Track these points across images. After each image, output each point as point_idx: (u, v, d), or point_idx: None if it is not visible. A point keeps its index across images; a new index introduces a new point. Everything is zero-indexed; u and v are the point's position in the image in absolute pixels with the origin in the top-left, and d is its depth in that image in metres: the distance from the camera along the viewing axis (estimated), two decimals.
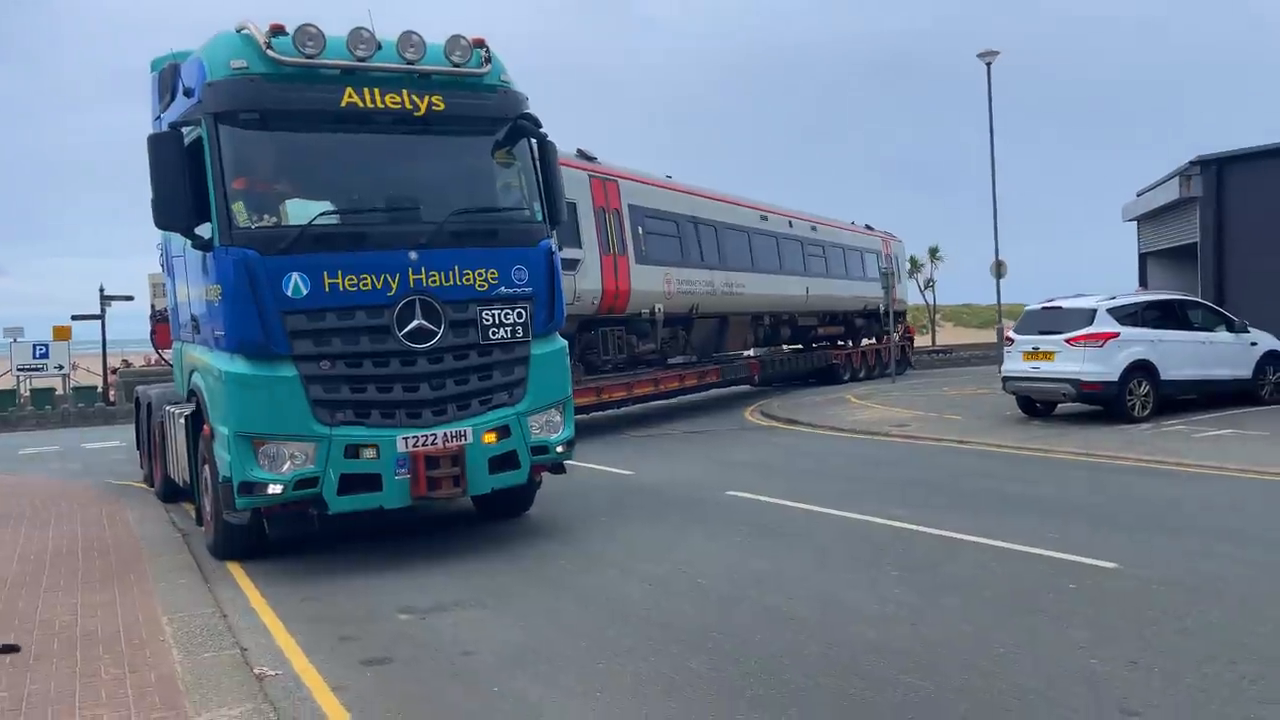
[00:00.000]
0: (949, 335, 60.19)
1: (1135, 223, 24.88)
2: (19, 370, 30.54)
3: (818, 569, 7.27)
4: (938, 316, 64.07)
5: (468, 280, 8.03)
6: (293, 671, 5.48)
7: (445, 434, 7.83)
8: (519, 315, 8.26)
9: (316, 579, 7.53)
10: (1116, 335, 14.71)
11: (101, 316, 29.82)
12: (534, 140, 8.62)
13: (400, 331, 7.73)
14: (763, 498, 10.16)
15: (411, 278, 7.78)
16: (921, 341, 46.32)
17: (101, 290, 29.55)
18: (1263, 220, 17.39)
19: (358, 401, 7.66)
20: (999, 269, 28.71)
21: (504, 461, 8.19)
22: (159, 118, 9.85)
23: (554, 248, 8.73)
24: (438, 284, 7.88)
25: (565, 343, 8.87)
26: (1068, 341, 14.88)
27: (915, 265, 43.29)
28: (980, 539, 7.82)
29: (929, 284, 43.97)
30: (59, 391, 29.94)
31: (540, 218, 8.62)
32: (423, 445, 7.71)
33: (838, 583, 6.85)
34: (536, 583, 7.20)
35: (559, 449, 8.57)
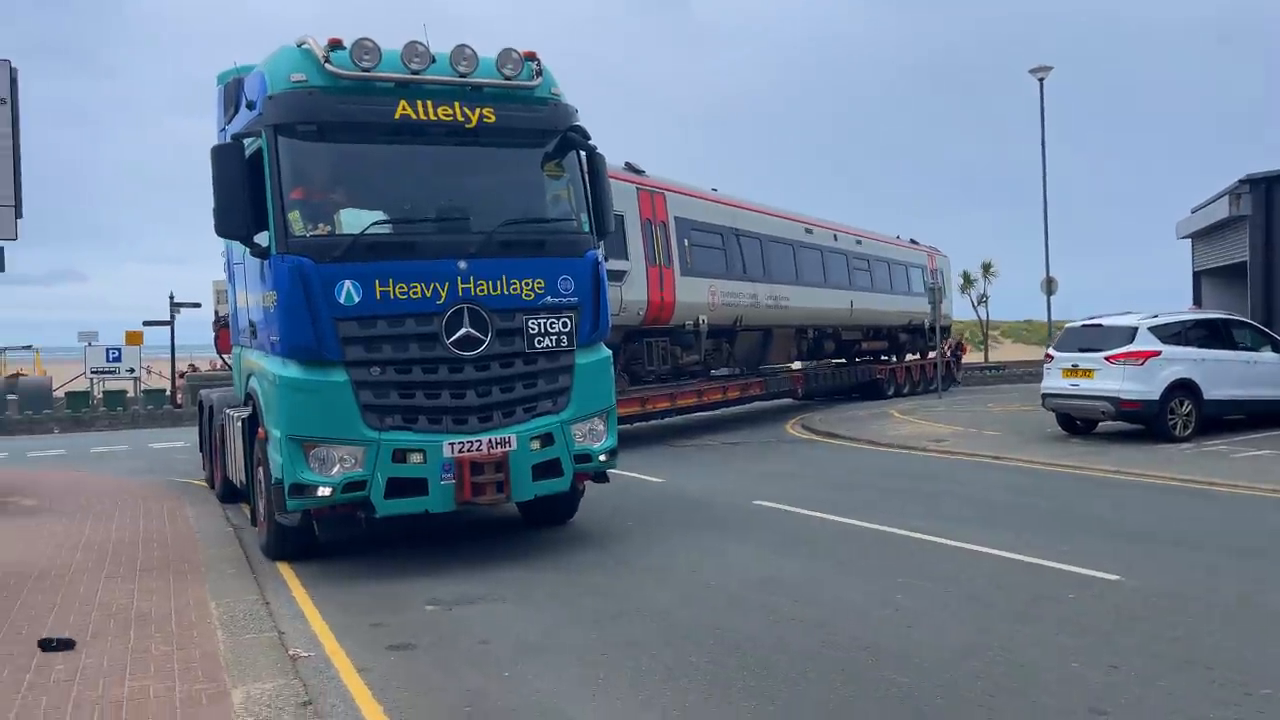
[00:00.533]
0: (1007, 352, 59.43)
1: (1189, 240, 24.58)
2: (93, 373, 31.89)
3: (828, 574, 7.54)
4: (996, 333, 63.36)
5: (515, 290, 8.15)
6: (324, 653, 5.92)
7: (490, 440, 7.93)
8: (564, 325, 8.36)
9: (355, 575, 7.97)
10: (1158, 354, 14.66)
11: (171, 322, 31.02)
12: (583, 152, 8.73)
13: (448, 339, 7.87)
14: (788, 507, 10.42)
15: (460, 286, 7.93)
16: (974, 358, 45.96)
17: (171, 297, 30.77)
18: None
19: (406, 407, 7.81)
20: (1049, 285, 28.53)
21: (547, 469, 8.27)
22: (223, 129, 10.19)
23: (601, 259, 8.82)
24: (486, 293, 8.02)
25: (610, 353, 8.94)
26: (1107, 359, 14.87)
27: (968, 280, 42.90)
28: (993, 550, 8.02)
29: (982, 299, 43.52)
30: (129, 394, 31.17)
31: (588, 229, 8.72)
32: (468, 451, 7.83)
33: (844, 587, 7.12)
34: (554, 582, 7.56)
35: (602, 457, 8.64)
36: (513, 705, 5.02)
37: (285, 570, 8.20)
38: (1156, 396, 14.57)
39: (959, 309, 51.70)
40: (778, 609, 6.54)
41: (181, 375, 32.75)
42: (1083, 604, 6.42)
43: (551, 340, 8.29)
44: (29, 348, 44.32)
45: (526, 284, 8.20)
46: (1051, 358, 16.06)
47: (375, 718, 4.90)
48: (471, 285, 7.97)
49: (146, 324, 31.99)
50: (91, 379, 31.92)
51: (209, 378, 29.86)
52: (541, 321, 8.24)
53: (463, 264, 7.96)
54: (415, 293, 7.82)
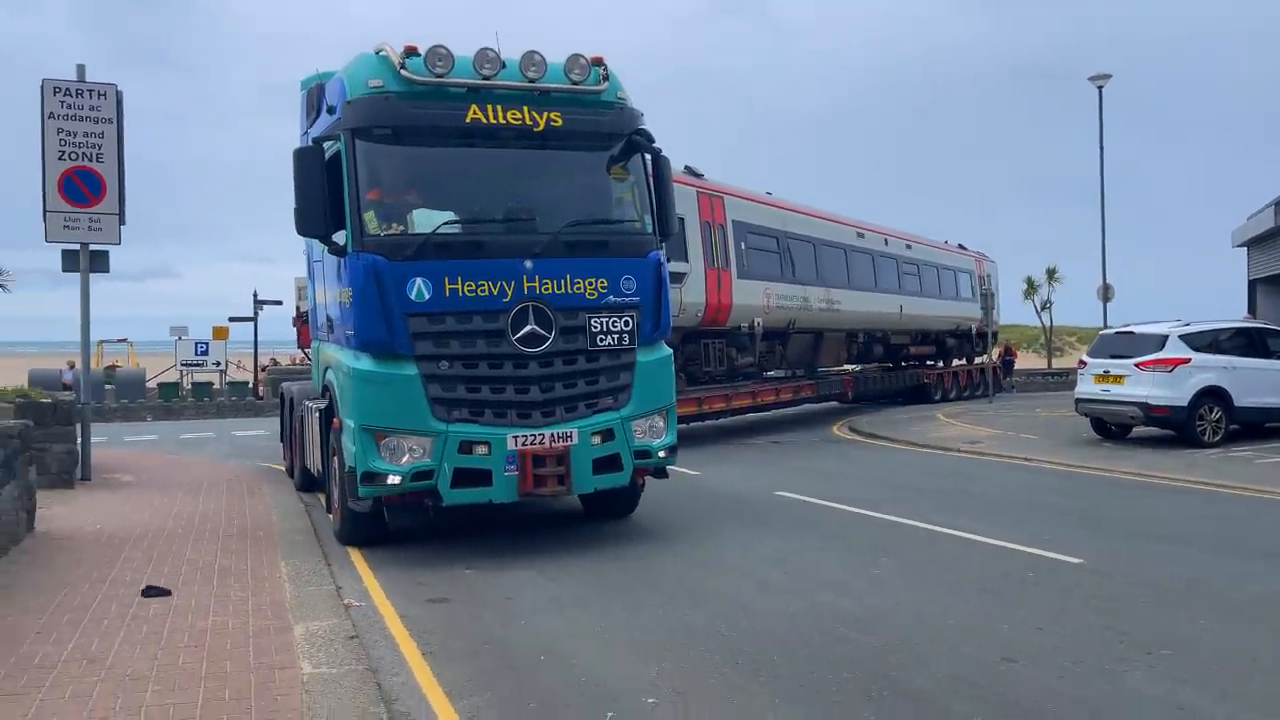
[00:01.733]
0: (1075, 358, 58.44)
1: (1245, 248, 24.50)
2: (182, 365, 33.89)
3: (825, 554, 8.33)
4: (1074, 339, 62.47)
5: (578, 289, 8.35)
6: (373, 604, 6.95)
7: (552, 434, 8.15)
8: (626, 323, 8.52)
9: (408, 546, 8.91)
10: (1187, 361, 15.04)
11: (254, 318, 32.82)
12: (648, 155, 8.91)
13: (514, 336, 8.11)
14: (808, 498, 11.20)
15: (526, 285, 8.15)
16: (1037, 363, 45.62)
17: (255, 295, 32.57)
18: None
19: (472, 401, 8.07)
20: (1106, 292, 28.64)
21: (608, 463, 8.47)
22: (305, 133, 10.58)
23: (663, 259, 8.97)
24: (550, 292, 8.22)
25: (670, 351, 9.09)
26: (1138, 365, 15.30)
27: (1032, 286, 42.76)
28: (980, 538, 8.73)
29: (1046, 305, 43.30)
30: (216, 385, 33.07)
31: (650, 230, 8.89)
32: (531, 444, 8.06)
33: (838, 564, 7.92)
34: (580, 553, 8.47)
35: (661, 454, 8.78)
36: (522, 641, 5.98)
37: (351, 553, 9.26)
38: (1185, 402, 14.95)
39: (1024, 315, 51.42)
40: (772, 581, 7.38)
41: (263, 369, 34.57)
42: (1039, 582, 7.16)
43: (613, 338, 8.47)
44: (124, 341, 46.87)
45: (590, 283, 8.40)
46: (1085, 364, 16.51)
47: (406, 645, 5.91)
48: (537, 284, 8.18)
49: (232, 320, 33.90)
50: (181, 371, 33.93)
51: (288, 371, 31.58)
52: (604, 320, 8.42)
53: (528, 263, 8.17)
54: (483, 291, 8.06)
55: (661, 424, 8.83)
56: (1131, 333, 16.10)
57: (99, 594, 6.88)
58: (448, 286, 8.01)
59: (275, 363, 37.42)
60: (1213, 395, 15.13)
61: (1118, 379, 15.62)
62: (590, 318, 8.38)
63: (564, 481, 8.21)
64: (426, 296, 7.97)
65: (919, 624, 6.17)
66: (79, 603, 6.65)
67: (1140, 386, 15.26)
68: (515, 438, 8.06)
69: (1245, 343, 15.88)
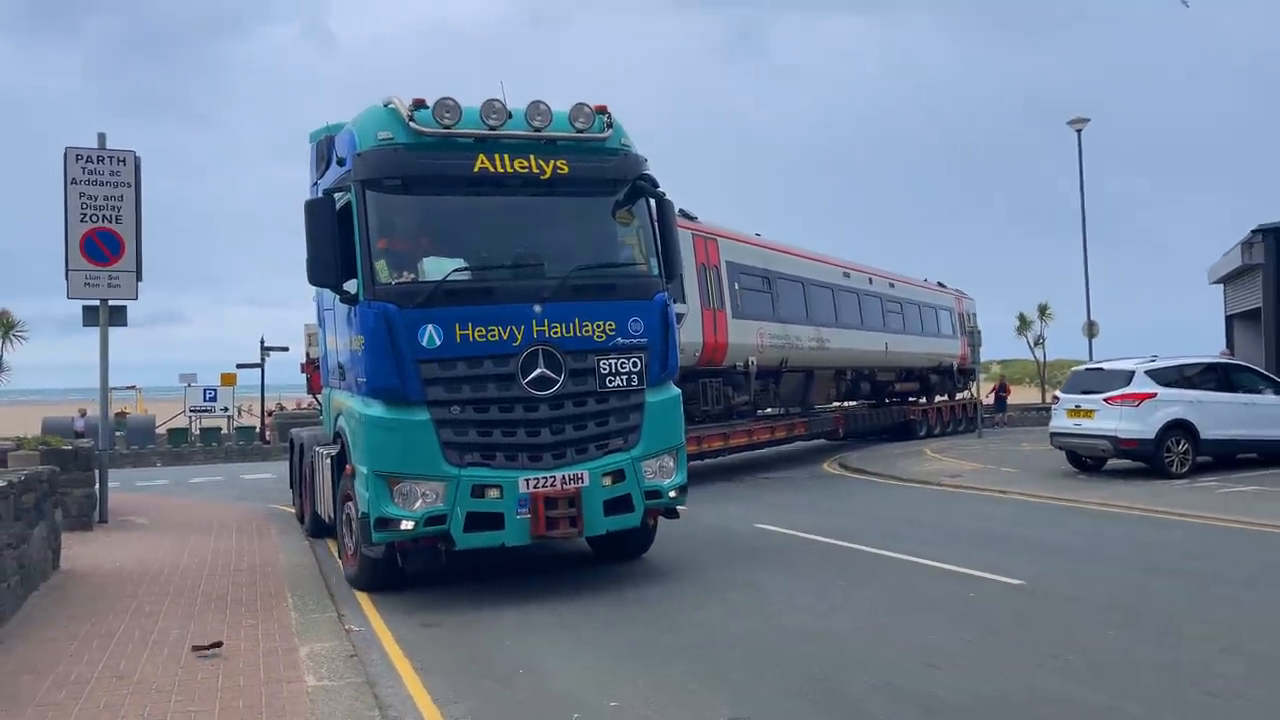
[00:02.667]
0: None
1: (1221, 284, 25.23)
2: (191, 411, 34.67)
3: (788, 577, 8.99)
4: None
5: (587, 331, 8.45)
6: (371, 629, 7.63)
7: (564, 476, 8.22)
8: (634, 365, 8.60)
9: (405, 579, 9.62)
10: (1153, 395, 15.70)
11: (261, 365, 33.63)
12: (652, 200, 9.07)
13: (524, 379, 8.20)
14: (783, 530, 11.87)
15: (535, 329, 8.26)
16: (1031, 396, 46.19)
17: (262, 342, 33.40)
18: None
19: (484, 444, 8.15)
20: (1091, 328, 29.35)
21: (619, 504, 8.53)
22: (315, 184, 10.69)
23: (669, 301, 9.08)
24: (559, 335, 8.33)
25: (679, 392, 9.18)
26: (1106, 400, 15.97)
27: (1024, 322, 43.54)
28: (940, 564, 9.37)
29: (1039, 341, 44.08)
30: (224, 430, 33.81)
31: (656, 272, 9.02)
32: (543, 487, 8.13)
33: (795, 587, 8.58)
34: (559, 581, 9.12)
35: (672, 493, 8.83)
36: (504, 658, 6.65)
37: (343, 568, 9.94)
38: (1152, 435, 15.59)
39: (1017, 349, 52.13)
40: (735, 601, 8.06)
41: (270, 414, 35.33)
42: (979, 601, 7.83)
43: (622, 380, 8.56)
44: (133, 388, 47.71)
45: (598, 326, 8.50)
46: (1058, 399, 17.19)
47: (400, 662, 6.59)
48: (546, 328, 8.29)
49: (240, 366, 34.69)
50: (190, 416, 34.69)
51: (295, 416, 32.35)
52: (613, 362, 8.52)
53: (538, 308, 8.30)
54: (493, 335, 8.17)
55: (672, 464, 8.90)
56: (1101, 369, 16.83)
57: (122, 623, 7.57)
58: (458, 332, 8.12)
59: (282, 408, 38.20)
60: (1179, 428, 15.76)
61: (1089, 413, 16.30)
62: (599, 360, 8.48)
63: (576, 523, 8.26)
64: (438, 342, 8.08)
65: (863, 638, 6.85)
66: (105, 630, 7.34)
67: (1109, 420, 15.92)
68: (527, 480, 8.13)
69: (1211, 377, 16.55)
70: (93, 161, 12.97)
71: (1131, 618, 7.22)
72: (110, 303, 13.20)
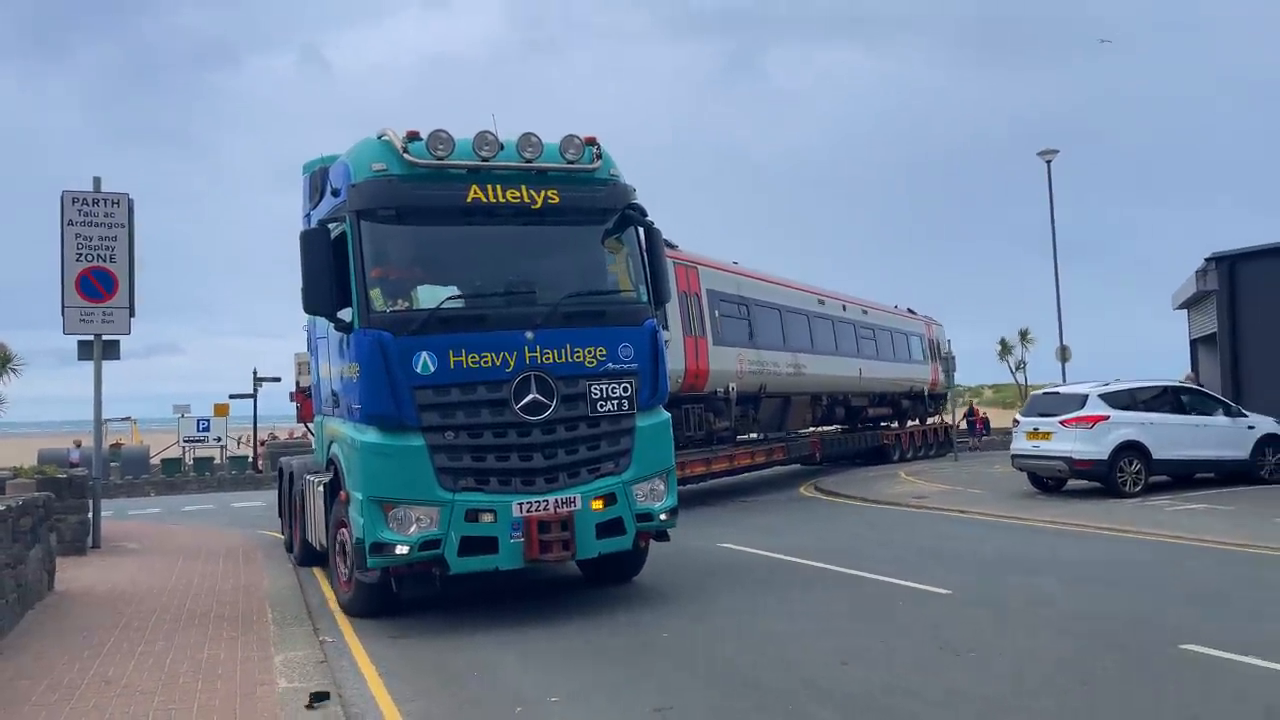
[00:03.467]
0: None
1: (1185, 310, 25.96)
2: (185, 441, 35.25)
3: (733, 588, 9.62)
4: None
5: (578, 357, 8.61)
6: (343, 639, 8.24)
7: (556, 500, 8.35)
8: (625, 389, 8.74)
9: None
10: (1106, 418, 16.36)
11: (254, 395, 34.25)
12: (640, 228, 9.24)
13: (517, 405, 8.33)
14: (743, 548, 12.47)
15: (528, 355, 8.41)
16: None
17: (255, 373, 34.08)
18: (1272, 313, 18.69)
19: (478, 469, 8.28)
20: (1063, 353, 30.04)
21: (610, 527, 8.65)
22: (308, 215, 10.76)
23: (658, 327, 9.21)
24: (551, 361, 8.48)
25: (669, 416, 9.29)
26: (1062, 423, 16.63)
27: (1006, 347, 44.37)
28: (879, 577, 9.98)
29: (1020, 366, 44.91)
30: (217, 460, 34.37)
31: (645, 299, 9.17)
32: (535, 511, 8.25)
33: (736, 595, 9.22)
34: (521, 595, 9.73)
35: (662, 516, 8.98)
36: (461, 661, 7.25)
37: (324, 583, 10.52)
38: (1105, 456, 16.23)
39: (998, 374, 52.90)
40: (681, 607, 8.69)
41: (262, 443, 35.89)
42: (904, 608, 8.48)
43: (613, 404, 8.69)
44: (127, 419, 48.30)
45: (589, 352, 8.66)
46: (1018, 422, 17.85)
47: (366, 668, 7.21)
48: (538, 354, 8.45)
49: (232, 397, 35.34)
50: (184, 447, 35.26)
51: (287, 445, 32.90)
52: (604, 387, 8.66)
53: (530, 334, 8.47)
54: (486, 362, 8.31)
55: (662, 487, 9.04)
56: (1057, 393, 17.52)
57: (111, 637, 8.17)
58: (452, 359, 8.25)
59: (274, 437, 38.71)
60: (1132, 449, 16.39)
61: (1046, 435, 16.94)
62: (590, 385, 8.62)
63: (569, 546, 8.37)
64: (432, 369, 8.21)
65: (792, 641, 7.46)
66: (96, 643, 7.94)
67: (1065, 442, 16.57)
68: (520, 504, 8.26)
69: (1164, 401, 17.22)
70: (88, 204, 13.67)
71: (1034, 620, 7.89)
72: (104, 337, 13.84)
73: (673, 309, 17.61)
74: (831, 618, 8.26)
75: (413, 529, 8.13)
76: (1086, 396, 16.75)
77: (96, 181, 13.89)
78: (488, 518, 8.21)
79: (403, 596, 8.93)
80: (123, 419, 48.00)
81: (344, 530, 9.00)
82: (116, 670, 7.04)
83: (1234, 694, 5.89)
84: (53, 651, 7.66)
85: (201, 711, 6.01)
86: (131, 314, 13.99)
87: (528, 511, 8.26)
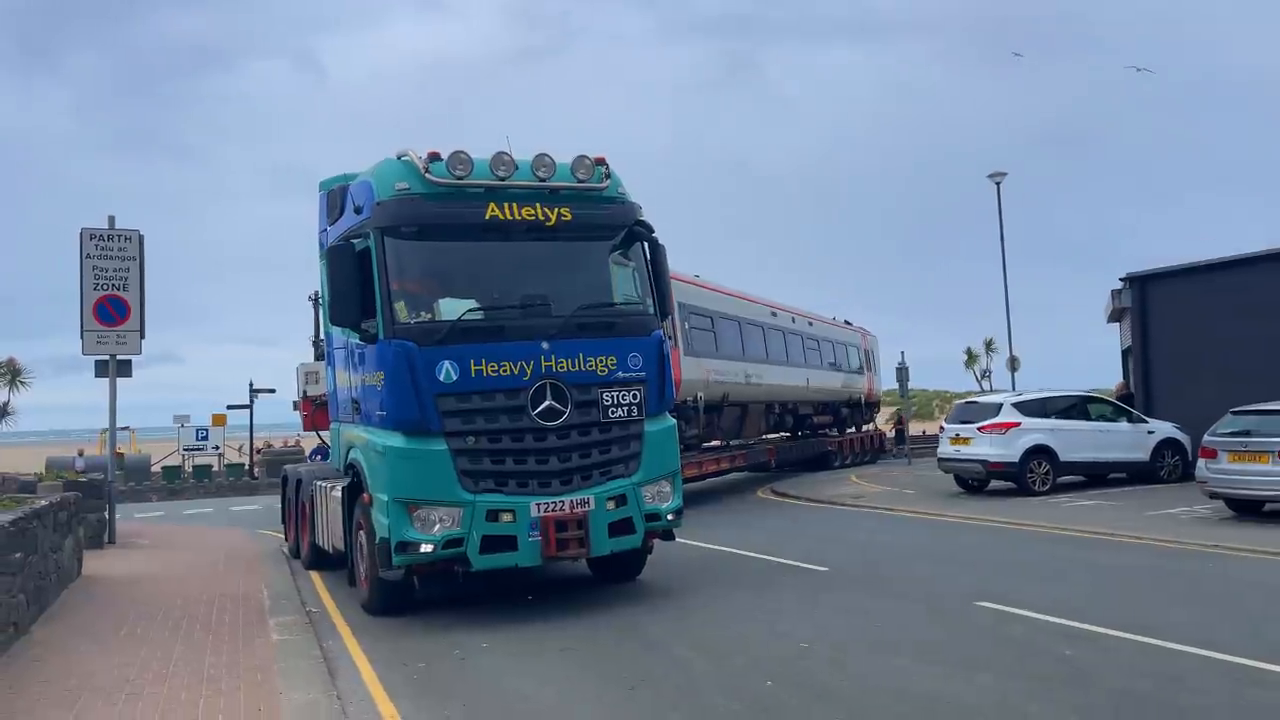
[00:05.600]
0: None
1: (1116, 322, 27.81)
2: (185, 450, 37.03)
3: (664, 574, 11.40)
4: None
5: (591, 366, 9.04)
6: (326, 610, 10.02)
7: (572, 501, 8.79)
8: (634, 396, 9.19)
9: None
10: (1018, 424, 18.21)
11: (250, 406, 36.04)
12: (647, 243, 9.74)
13: (534, 411, 8.77)
14: (689, 541, 14.23)
15: (543, 364, 8.84)
16: None
17: (251, 385, 35.85)
18: (1176, 328, 20.48)
19: (497, 472, 8.71)
20: (1013, 363, 31.93)
21: (621, 526, 9.11)
22: (325, 230, 11.12)
23: (665, 337, 9.70)
24: (565, 370, 8.91)
25: (674, 421, 9.81)
26: (979, 429, 18.49)
27: (972, 356, 46.26)
28: (778, 559, 11.80)
29: (985, 375, 46.79)
30: (214, 467, 36.13)
31: (652, 311, 9.64)
32: (552, 511, 8.69)
33: (669, 577, 10.88)
34: (504, 590, 11.49)
35: (669, 517, 9.49)
36: (429, 631, 8.75)
37: (314, 574, 12.33)
38: (1016, 459, 18.05)
39: (965, 383, 54.86)
40: (615, 591, 10.47)
41: (258, 451, 37.66)
42: (785, 579, 10.37)
43: (623, 410, 9.14)
44: (126, 428, 49.98)
45: (601, 361, 9.10)
46: (943, 429, 19.70)
47: (341, 626, 8.99)
48: (553, 363, 8.88)
49: (230, 408, 37.15)
50: (184, 455, 37.03)
51: (281, 454, 34.69)
52: (614, 394, 9.10)
53: (545, 345, 8.90)
54: (504, 370, 8.74)
55: (669, 489, 9.52)
56: (976, 402, 19.40)
57: (129, 607, 9.97)
58: (473, 368, 8.67)
59: (270, 445, 40.46)
60: (1041, 452, 18.22)
61: (966, 440, 18.78)
62: (602, 392, 9.06)
63: (584, 544, 8.82)
64: (454, 377, 8.63)
65: (695, 607, 9.22)
66: (117, 611, 9.73)
67: (981, 447, 18.42)
68: (538, 505, 8.69)
69: (1071, 408, 19.07)
70: (104, 240, 15.49)
71: (879, 584, 9.85)
72: (118, 357, 15.64)
73: None
74: (730, 586, 10.09)
75: (436, 528, 8.56)
76: (1001, 405, 18.62)
77: (111, 220, 15.70)
78: (507, 517, 8.65)
79: (420, 596, 9.52)
80: (122, 428, 49.63)
81: (363, 532, 9.45)
82: (131, 627, 8.86)
83: (995, 633, 7.75)
84: (87, 616, 9.48)
85: (207, 657, 7.82)
86: (142, 336, 15.79)
87: (545, 512, 8.69)
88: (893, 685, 6.40)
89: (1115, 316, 25.08)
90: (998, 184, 31.77)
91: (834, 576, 10.49)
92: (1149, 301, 21.35)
